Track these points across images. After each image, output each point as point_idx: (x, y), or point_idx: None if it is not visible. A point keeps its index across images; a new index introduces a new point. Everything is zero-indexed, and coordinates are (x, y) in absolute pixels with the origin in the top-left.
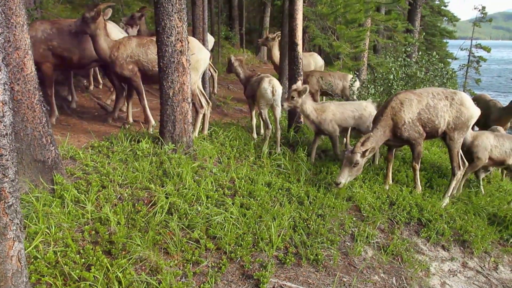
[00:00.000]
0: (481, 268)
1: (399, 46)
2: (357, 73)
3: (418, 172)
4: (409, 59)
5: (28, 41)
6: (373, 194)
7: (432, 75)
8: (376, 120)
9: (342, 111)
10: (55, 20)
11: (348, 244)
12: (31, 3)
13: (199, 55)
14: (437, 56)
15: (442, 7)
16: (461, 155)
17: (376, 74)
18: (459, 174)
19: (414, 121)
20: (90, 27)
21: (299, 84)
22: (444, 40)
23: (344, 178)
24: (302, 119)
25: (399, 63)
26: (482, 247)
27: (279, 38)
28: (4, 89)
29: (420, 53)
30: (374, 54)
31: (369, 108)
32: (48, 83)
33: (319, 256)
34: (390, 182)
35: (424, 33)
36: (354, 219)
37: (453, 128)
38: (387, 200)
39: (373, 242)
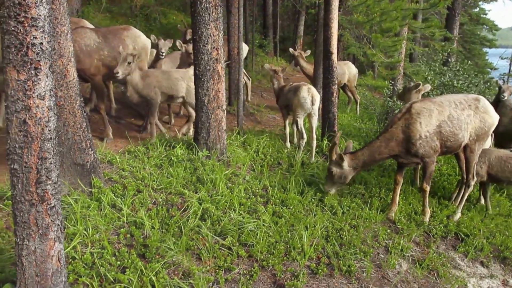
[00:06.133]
0: None
1: (437, 55)
2: (392, 82)
3: (427, 195)
4: (445, 68)
5: (71, 49)
6: (408, 205)
7: (467, 83)
8: (384, 129)
9: (167, 77)
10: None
11: (382, 256)
12: (73, 12)
13: None
14: (469, 62)
15: (482, 15)
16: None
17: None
18: (473, 184)
19: (431, 135)
20: None
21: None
22: (484, 50)
23: (328, 187)
24: (336, 128)
25: (434, 72)
26: None
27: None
28: (50, 95)
29: (455, 60)
30: (410, 63)
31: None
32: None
33: (352, 268)
34: (395, 209)
35: (462, 42)
36: (388, 230)
37: (475, 140)
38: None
39: (408, 255)
